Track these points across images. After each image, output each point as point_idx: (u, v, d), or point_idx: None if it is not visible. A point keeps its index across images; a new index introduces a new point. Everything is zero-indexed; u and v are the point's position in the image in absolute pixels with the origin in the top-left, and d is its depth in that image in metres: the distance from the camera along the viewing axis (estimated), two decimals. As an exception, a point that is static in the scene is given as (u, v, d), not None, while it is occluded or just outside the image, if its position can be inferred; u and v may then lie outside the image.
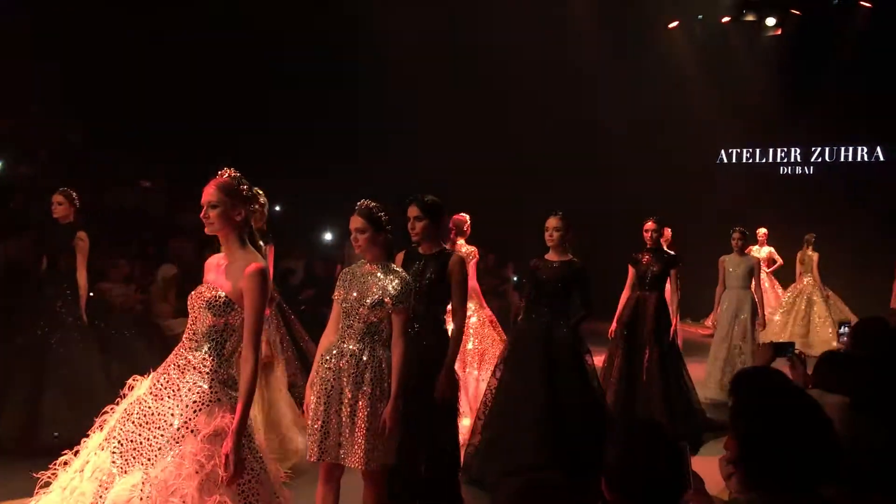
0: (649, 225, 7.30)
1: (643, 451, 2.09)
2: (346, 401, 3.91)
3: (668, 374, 7.05)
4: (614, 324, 7.30)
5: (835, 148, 15.65)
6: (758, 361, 3.96)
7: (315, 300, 10.44)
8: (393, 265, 4.16)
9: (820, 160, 15.81)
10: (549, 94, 14.76)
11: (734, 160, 16.42)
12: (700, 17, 15.42)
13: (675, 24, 15.38)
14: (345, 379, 3.93)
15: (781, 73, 14.91)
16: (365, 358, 3.95)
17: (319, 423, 3.92)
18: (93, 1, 11.28)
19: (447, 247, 4.78)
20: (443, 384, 4.49)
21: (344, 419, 3.89)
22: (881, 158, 15.31)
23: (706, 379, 8.38)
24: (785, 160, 16.08)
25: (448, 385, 4.53)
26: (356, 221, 4.05)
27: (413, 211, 4.65)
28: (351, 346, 3.99)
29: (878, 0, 14.07)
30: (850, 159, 15.59)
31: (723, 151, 16.41)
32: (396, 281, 4.02)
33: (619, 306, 7.38)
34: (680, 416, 6.91)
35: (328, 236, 13.74)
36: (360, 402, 3.89)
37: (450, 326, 4.85)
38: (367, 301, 3.98)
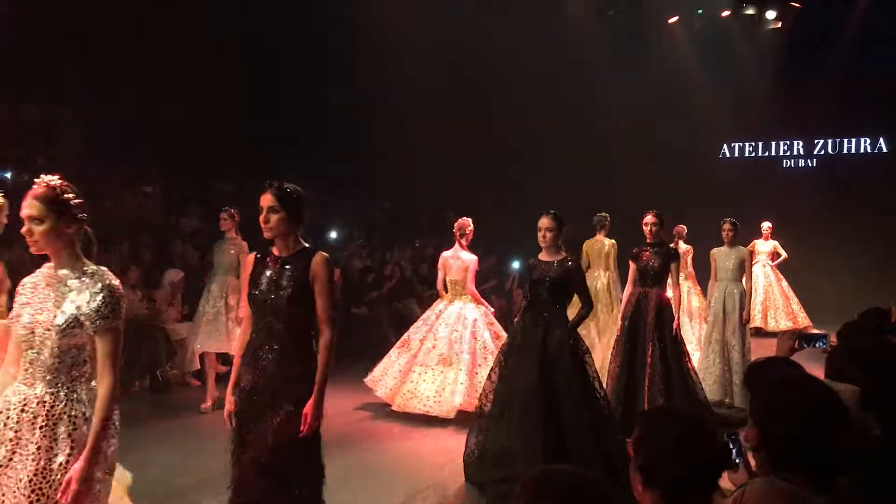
0: (649, 218, 7.19)
1: (690, 445, 2.00)
2: (26, 467, 2.72)
3: (671, 370, 6.95)
4: (619, 321, 7.20)
5: (837, 140, 15.57)
6: (778, 350, 3.88)
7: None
8: (92, 266, 2.91)
9: (823, 152, 15.73)
10: (549, 89, 14.70)
11: (736, 154, 16.37)
12: (700, 11, 15.38)
13: (674, 18, 15.35)
14: (28, 436, 2.75)
15: (782, 65, 14.86)
16: (60, 406, 2.78)
17: None
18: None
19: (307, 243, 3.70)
20: (311, 416, 3.48)
21: (20, 493, 2.70)
22: (884, 149, 15.22)
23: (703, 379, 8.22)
24: (787, 153, 16.01)
25: (318, 417, 3.51)
26: (31, 207, 2.83)
27: (266, 200, 3.57)
28: (37, 390, 2.80)
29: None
30: (853, 151, 15.50)
31: (725, 146, 16.36)
32: (97, 288, 2.84)
33: (622, 303, 7.29)
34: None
35: (333, 234, 13.62)
36: (50, 473, 2.73)
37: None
38: (57, 322, 2.81)
